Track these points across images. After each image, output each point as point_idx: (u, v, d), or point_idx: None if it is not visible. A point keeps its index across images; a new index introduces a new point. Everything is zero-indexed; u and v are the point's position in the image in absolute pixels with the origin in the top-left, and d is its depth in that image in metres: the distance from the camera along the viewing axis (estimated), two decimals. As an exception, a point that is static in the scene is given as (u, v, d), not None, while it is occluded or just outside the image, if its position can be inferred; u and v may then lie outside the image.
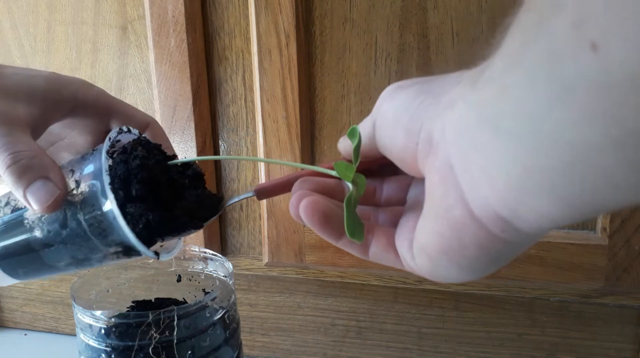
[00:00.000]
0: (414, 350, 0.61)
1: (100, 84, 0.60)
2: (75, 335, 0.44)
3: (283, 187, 0.33)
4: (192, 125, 0.56)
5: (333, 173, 0.30)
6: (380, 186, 0.32)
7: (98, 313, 0.41)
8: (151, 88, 0.59)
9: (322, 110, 0.54)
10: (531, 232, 0.21)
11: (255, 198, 0.33)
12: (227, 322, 0.45)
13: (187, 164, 0.36)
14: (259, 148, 0.54)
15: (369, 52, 0.51)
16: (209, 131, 0.57)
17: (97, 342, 0.41)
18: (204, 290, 0.50)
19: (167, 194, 0.34)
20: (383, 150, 0.28)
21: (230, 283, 0.47)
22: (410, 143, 0.25)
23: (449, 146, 0.22)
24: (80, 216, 0.32)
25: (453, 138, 0.22)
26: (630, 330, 0.55)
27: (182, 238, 0.37)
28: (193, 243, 0.57)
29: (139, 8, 0.57)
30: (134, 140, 0.35)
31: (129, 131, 0.36)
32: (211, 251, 0.51)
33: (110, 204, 0.31)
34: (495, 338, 0.58)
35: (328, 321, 0.63)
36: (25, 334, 0.73)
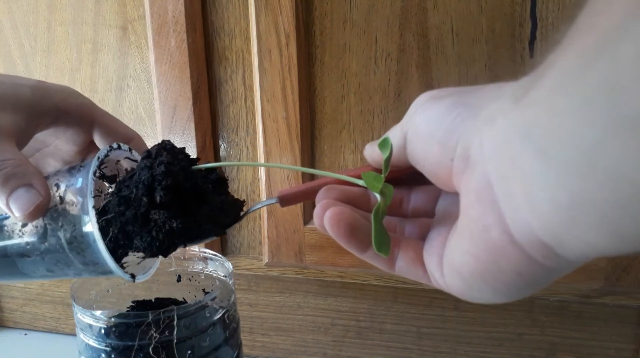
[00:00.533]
0: (414, 350, 0.61)
1: (100, 84, 0.60)
2: (75, 335, 0.44)
3: (306, 194, 0.32)
4: (192, 125, 0.56)
5: (360, 182, 0.29)
6: (408, 196, 0.31)
7: (98, 313, 0.41)
8: (151, 88, 0.59)
9: (322, 110, 0.54)
10: (575, 260, 0.20)
11: (278, 204, 0.33)
12: (227, 321, 0.45)
13: (211, 169, 0.35)
14: (259, 147, 0.54)
15: (369, 52, 0.51)
16: (209, 131, 0.57)
17: (97, 342, 0.41)
18: (203, 290, 0.50)
19: (191, 200, 0.33)
20: (414, 163, 0.27)
21: (230, 283, 0.47)
22: (445, 159, 0.24)
23: (487, 164, 0.21)
24: (61, 233, 0.32)
25: (492, 156, 0.21)
26: (630, 330, 0.55)
27: (159, 258, 0.36)
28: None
29: (139, 8, 0.57)
30: (158, 144, 0.34)
31: (119, 147, 0.36)
32: (211, 251, 0.51)
33: (91, 227, 0.31)
34: (495, 338, 0.58)
35: (328, 321, 0.63)
36: (25, 334, 0.73)
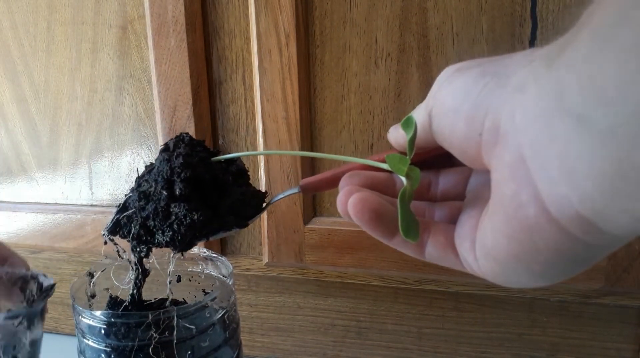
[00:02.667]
0: (414, 350, 0.61)
1: (100, 84, 0.60)
2: (74, 334, 0.44)
3: (329, 182, 0.30)
4: (192, 125, 0.56)
5: (384, 166, 0.28)
6: (436, 179, 0.30)
7: (97, 313, 0.41)
8: (151, 88, 0.59)
9: (322, 110, 0.54)
10: (621, 235, 0.18)
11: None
12: (227, 322, 0.45)
13: (231, 161, 0.35)
14: (259, 147, 0.54)
15: (369, 52, 0.51)
16: (209, 131, 0.57)
17: (96, 342, 0.41)
18: (203, 290, 0.50)
19: (211, 192, 0.33)
20: (441, 141, 0.25)
21: (230, 283, 0.47)
22: (473, 133, 0.22)
23: (520, 135, 0.19)
24: None
25: (525, 126, 0.19)
26: (630, 330, 0.54)
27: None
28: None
29: (139, 8, 0.57)
30: (176, 136, 0.34)
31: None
32: (211, 252, 0.51)
33: None
34: (495, 338, 0.58)
35: (328, 321, 0.63)
36: (25, 334, 0.73)
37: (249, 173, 0.36)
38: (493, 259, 0.22)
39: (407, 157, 0.27)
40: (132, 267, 0.38)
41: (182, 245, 0.32)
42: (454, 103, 0.23)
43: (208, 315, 0.43)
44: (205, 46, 0.56)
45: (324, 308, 0.62)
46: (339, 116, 0.53)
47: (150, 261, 0.45)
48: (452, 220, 0.27)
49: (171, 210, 0.32)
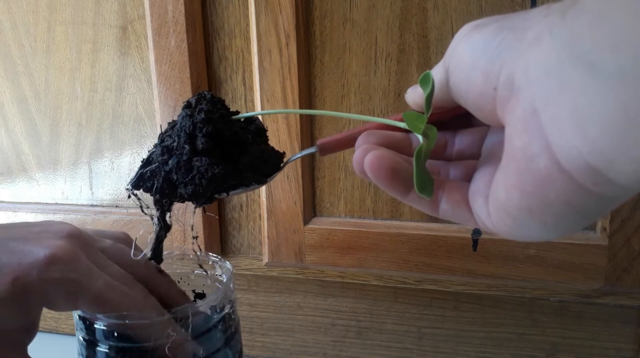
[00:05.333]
0: (414, 350, 0.61)
1: (100, 84, 0.60)
2: (74, 335, 0.44)
3: (347, 142, 0.31)
4: (192, 125, 0.56)
5: (402, 124, 0.28)
6: (452, 140, 0.30)
7: (99, 316, 0.41)
8: (151, 88, 0.59)
9: (322, 110, 0.54)
10: (629, 185, 0.18)
11: (318, 153, 0.32)
12: (228, 323, 0.45)
13: (250, 120, 0.36)
14: (259, 148, 0.54)
15: (369, 52, 0.51)
16: (209, 131, 0.57)
17: (97, 344, 0.41)
18: (203, 292, 0.50)
19: (232, 149, 0.34)
20: (457, 97, 0.25)
21: (231, 284, 0.47)
22: (488, 88, 0.22)
23: (533, 88, 0.19)
24: None
25: (538, 79, 0.19)
26: (630, 330, 0.55)
27: None
28: (193, 244, 0.57)
29: (139, 8, 0.57)
30: (198, 93, 0.35)
31: None
32: (211, 253, 0.51)
33: None
34: (495, 338, 0.58)
35: (328, 321, 0.63)
36: (25, 334, 0.73)
37: (267, 132, 0.37)
38: (506, 213, 0.22)
39: (424, 115, 0.27)
40: (154, 222, 0.39)
41: (203, 198, 0.33)
42: (471, 59, 0.23)
43: (208, 317, 0.42)
44: (205, 46, 0.56)
45: (324, 308, 0.62)
46: (339, 116, 0.53)
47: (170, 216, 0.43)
48: (467, 178, 0.27)
49: (193, 164, 0.32)
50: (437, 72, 0.26)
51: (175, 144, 0.34)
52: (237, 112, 0.36)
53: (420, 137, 0.27)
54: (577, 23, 0.17)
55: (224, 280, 0.49)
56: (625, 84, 0.16)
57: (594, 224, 0.50)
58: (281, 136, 0.53)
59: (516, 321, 0.57)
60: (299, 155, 0.35)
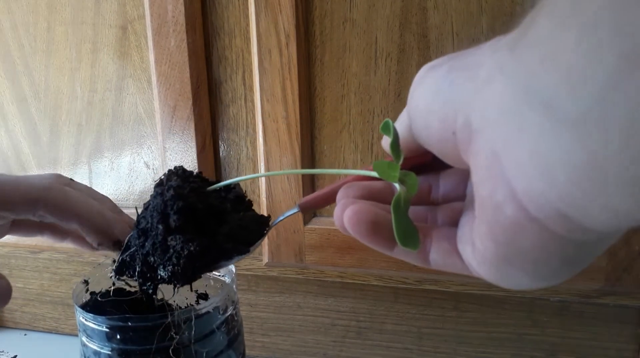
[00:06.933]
0: (414, 350, 0.61)
1: (100, 84, 0.60)
2: (74, 335, 0.44)
3: (327, 198, 0.30)
4: (192, 125, 0.56)
5: (375, 174, 0.26)
6: (436, 182, 0.28)
7: (100, 318, 0.41)
8: (151, 88, 0.59)
9: (322, 110, 0.54)
10: (605, 231, 0.17)
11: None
12: (230, 325, 0.44)
13: (229, 188, 0.35)
14: (258, 147, 0.54)
15: (369, 52, 0.51)
16: (208, 131, 0.57)
17: (99, 346, 0.41)
18: (206, 293, 0.50)
19: (208, 221, 0.33)
20: (422, 143, 0.24)
21: (234, 286, 0.47)
22: (447, 132, 0.21)
23: (491, 130, 0.18)
24: None
25: (495, 120, 0.18)
26: (630, 330, 0.54)
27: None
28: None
29: (139, 8, 0.57)
30: (169, 170, 0.34)
31: None
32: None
33: None
34: (495, 338, 0.58)
35: (328, 321, 0.63)
36: (25, 334, 0.73)
37: (248, 199, 0.36)
38: (489, 263, 0.21)
39: (395, 162, 0.25)
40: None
41: (184, 278, 0.32)
42: (425, 103, 0.22)
43: (211, 319, 0.42)
44: (205, 46, 0.56)
45: (324, 308, 0.62)
46: (339, 116, 0.53)
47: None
48: (455, 223, 0.25)
49: (169, 243, 0.32)
50: (402, 118, 0.25)
51: (149, 225, 0.33)
52: (216, 182, 0.35)
53: (397, 185, 0.25)
54: (527, 59, 0.16)
55: (227, 281, 0.49)
56: (588, 128, 0.14)
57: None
58: (281, 137, 0.53)
59: (516, 321, 0.57)
60: (281, 218, 0.34)
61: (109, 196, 0.41)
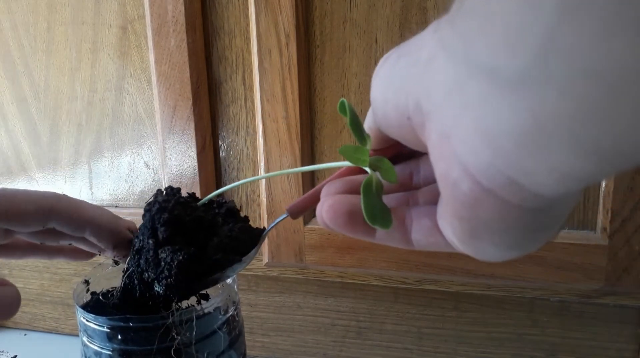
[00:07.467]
0: (414, 350, 0.61)
1: (100, 84, 0.60)
2: (74, 335, 0.44)
3: (314, 198, 0.30)
4: (192, 125, 0.56)
5: (347, 163, 0.27)
6: (417, 168, 0.28)
7: (101, 318, 0.41)
8: (151, 88, 0.59)
9: (322, 110, 0.54)
10: (556, 196, 0.17)
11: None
12: (231, 325, 0.44)
13: (222, 203, 0.36)
14: (258, 148, 0.54)
15: (369, 52, 0.51)
16: (208, 131, 0.57)
17: (101, 347, 0.41)
18: (207, 294, 0.50)
19: (198, 234, 0.34)
20: (386, 132, 0.24)
21: (235, 286, 0.47)
22: (403, 119, 0.21)
23: (439, 110, 0.18)
24: None
25: (442, 99, 0.18)
26: (630, 330, 0.54)
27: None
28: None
29: (139, 8, 0.57)
30: (157, 190, 0.36)
31: None
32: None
33: None
34: (495, 338, 0.58)
35: (328, 321, 0.63)
36: (25, 334, 0.73)
37: (240, 212, 0.37)
38: (460, 241, 0.21)
39: (362, 146, 0.25)
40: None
41: (179, 290, 0.33)
42: (381, 93, 0.23)
43: (213, 320, 0.42)
44: (205, 46, 0.56)
45: (324, 308, 0.62)
46: (339, 116, 0.53)
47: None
48: (436, 202, 0.25)
49: (160, 257, 0.32)
50: (369, 112, 0.25)
51: (142, 243, 0.34)
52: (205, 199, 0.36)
53: (368, 169, 0.25)
54: (466, 28, 0.16)
55: (228, 282, 0.49)
56: (529, 87, 0.14)
57: (594, 224, 0.50)
58: (281, 137, 0.53)
59: (516, 321, 0.57)
60: (272, 225, 0.34)
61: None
